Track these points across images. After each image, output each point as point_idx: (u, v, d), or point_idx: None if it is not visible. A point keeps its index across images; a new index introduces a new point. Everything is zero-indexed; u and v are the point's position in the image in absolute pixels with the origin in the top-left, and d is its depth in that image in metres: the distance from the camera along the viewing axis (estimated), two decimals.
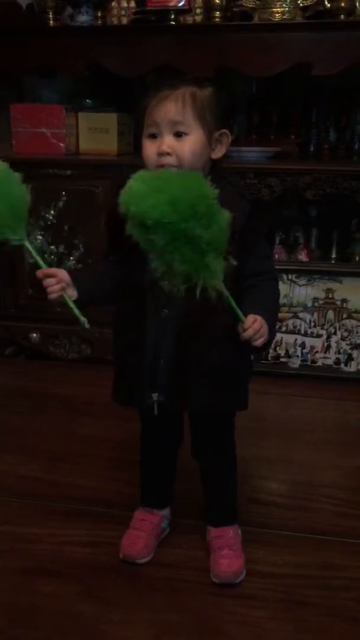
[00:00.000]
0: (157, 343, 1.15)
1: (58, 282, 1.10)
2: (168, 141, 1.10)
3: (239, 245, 1.12)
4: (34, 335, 2.36)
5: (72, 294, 1.12)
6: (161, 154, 1.10)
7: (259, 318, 1.07)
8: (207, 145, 1.13)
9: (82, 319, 1.10)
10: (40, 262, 1.11)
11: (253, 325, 1.06)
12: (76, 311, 1.11)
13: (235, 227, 1.11)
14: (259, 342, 1.08)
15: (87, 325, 1.10)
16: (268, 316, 1.10)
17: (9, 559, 1.33)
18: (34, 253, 1.09)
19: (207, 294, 1.00)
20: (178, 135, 1.10)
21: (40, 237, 2.28)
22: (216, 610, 1.20)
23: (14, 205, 1.04)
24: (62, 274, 1.12)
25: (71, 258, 2.28)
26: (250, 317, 1.07)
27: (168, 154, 1.10)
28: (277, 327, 1.20)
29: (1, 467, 1.67)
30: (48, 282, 1.10)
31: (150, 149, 1.12)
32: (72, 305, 1.11)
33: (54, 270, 1.11)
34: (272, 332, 1.13)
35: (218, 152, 1.15)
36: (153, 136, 1.12)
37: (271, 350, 2.23)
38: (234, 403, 1.24)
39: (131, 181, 0.95)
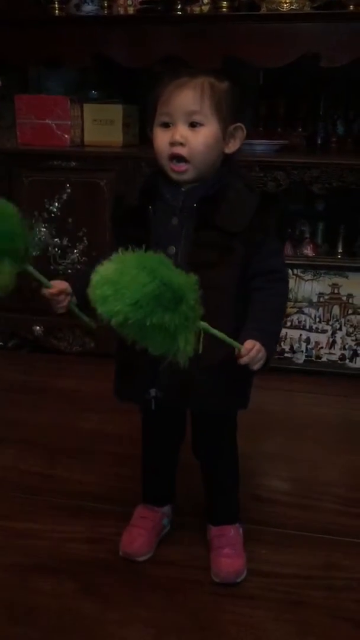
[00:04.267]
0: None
1: (64, 297, 1.12)
2: (182, 131, 1.08)
3: (246, 242, 1.10)
4: (37, 328, 2.34)
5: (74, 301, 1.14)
6: (173, 143, 1.08)
7: (257, 345, 1.05)
8: (221, 139, 1.10)
9: (89, 320, 1.15)
10: (45, 282, 1.12)
11: (250, 353, 1.05)
12: (84, 317, 1.15)
13: (242, 225, 1.09)
14: (256, 367, 1.07)
15: (94, 325, 1.13)
16: (269, 333, 1.09)
17: (7, 555, 1.32)
18: (37, 275, 1.09)
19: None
20: (192, 125, 1.08)
21: (44, 230, 2.26)
22: (216, 610, 1.19)
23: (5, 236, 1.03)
24: (64, 285, 1.12)
25: (75, 251, 2.26)
26: (248, 344, 1.05)
27: (181, 144, 1.08)
28: (281, 327, 1.19)
29: (2, 461, 1.66)
30: (57, 300, 1.12)
31: (162, 137, 1.10)
32: (78, 312, 1.15)
33: (58, 286, 1.12)
34: (274, 345, 1.12)
35: (232, 147, 1.13)
36: (165, 125, 1.09)
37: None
38: (236, 403, 1.22)
39: (94, 280, 0.93)
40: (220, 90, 1.09)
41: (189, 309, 0.94)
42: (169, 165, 1.10)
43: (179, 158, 1.09)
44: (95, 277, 0.94)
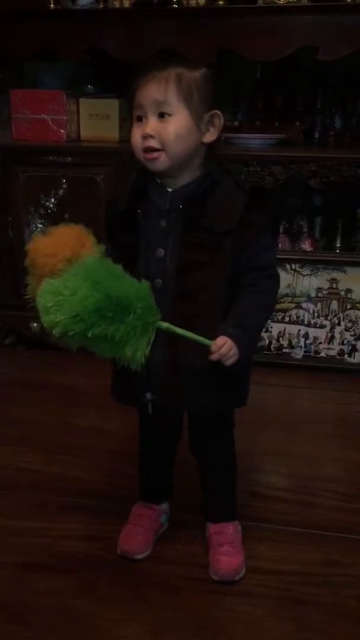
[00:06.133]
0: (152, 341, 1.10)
1: None
2: (152, 123, 1.06)
3: (235, 240, 1.09)
4: (35, 324, 2.33)
5: None
6: (145, 136, 1.07)
7: (228, 341, 1.05)
8: (195, 128, 1.07)
9: None
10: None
11: (220, 350, 1.05)
12: None
13: (231, 224, 1.08)
14: (228, 363, 1.06)
15: None
16: (245, 329, 1.08)
17: (3, 553, 1.31)
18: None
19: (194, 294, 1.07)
20: (162, 116, 1.06)
21: (40, 226, 2.25)
22: (215, 608, 1.18)
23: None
24: None
25: None
26: (219, 340, 1.05)
27: (151, 136, 1.06)
28: (269, 325, 1.18)
29: None
30: None
31: (136, 132, 1.09)
32: None
33: None
34: (250, 340, 1.10)
35: (209, 136, 1.10)
36: (139, 119, 1.08)
37: (274, 341, 2.20)
38: (231, 402, 1.20)
39: (40, 288, 0.97)
40: (189, 79, 1.06)
41: (136, 319, 0.96)
42: (143, 157, 1.09)
43: (152, 149, 1.07)
44: (41, 286, 0.96)
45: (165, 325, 1.03)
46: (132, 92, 1.09)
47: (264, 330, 2.11)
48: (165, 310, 1.08)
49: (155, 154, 1.07)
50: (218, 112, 1.09)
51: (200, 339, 1.05)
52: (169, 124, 1.06)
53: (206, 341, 1.05)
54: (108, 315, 0.94)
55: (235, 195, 1.10)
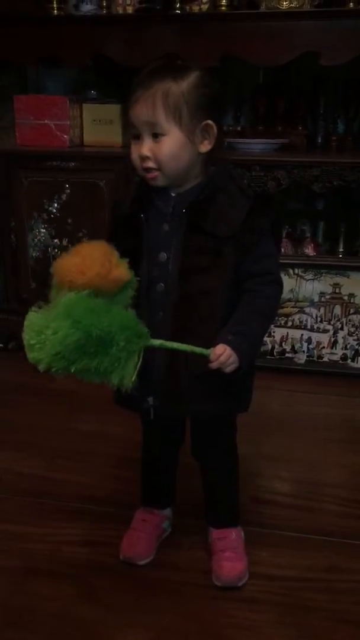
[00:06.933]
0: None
1: None
2: (147, 144, 1.07)
3: (238, 246, 1.08)
4: None
5: None
6: (142, 158, 1.07)
7: (227, 350, 1.05)
8: (188, 143, 1.06)
9: None
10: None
11: (219, 358, 1.04)
12: None
13: (233, 229, 1.08)
14: (228, 370, 1.06)
15: None
16: (245, 336, 1.07)
17: (5, 559, 1.30)
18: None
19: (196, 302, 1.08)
20: (155, 136, 1.06)
21: (43, 231, 2.25)
22: (218, 614, 1.17)
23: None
24: None
25: None
26: (219, 349, 1.05)
27: (148, 157, 1.07)
28: (272, 329, 1.17)
29: (0, 464, 1.65)
30: None
31: (134, 150, 1.09)
32: None
33: None
34: (250, 347, 1.09)
35: (204, 146, 1.09)
36: (136, 137, 1.08)
37: (277, 346, 2.20)
38: (232, 407, 1.20)
39: (24, 324, 0.98)
40: (176, 94, 1.04)
41: (119, 351, 0.97)
42: (143, 175, 1.10)
43: (150, 169, 1.08)
44: (25, 322, 0.98)
45: (158, 342, 1.03)
46: (128, 108, 1.09)
47: (266, 335, 2.10)
48: (167, 314, 1.08)
49: (154, 173, 1.07)
50: (210, 122, 1.07)
51: (198, 349, 1.05)
52: (162, 144, 1.05)
53: (204, 351, 1.05)
54: (90, 351, 0.96)
55: (238, 201, 1.10)
